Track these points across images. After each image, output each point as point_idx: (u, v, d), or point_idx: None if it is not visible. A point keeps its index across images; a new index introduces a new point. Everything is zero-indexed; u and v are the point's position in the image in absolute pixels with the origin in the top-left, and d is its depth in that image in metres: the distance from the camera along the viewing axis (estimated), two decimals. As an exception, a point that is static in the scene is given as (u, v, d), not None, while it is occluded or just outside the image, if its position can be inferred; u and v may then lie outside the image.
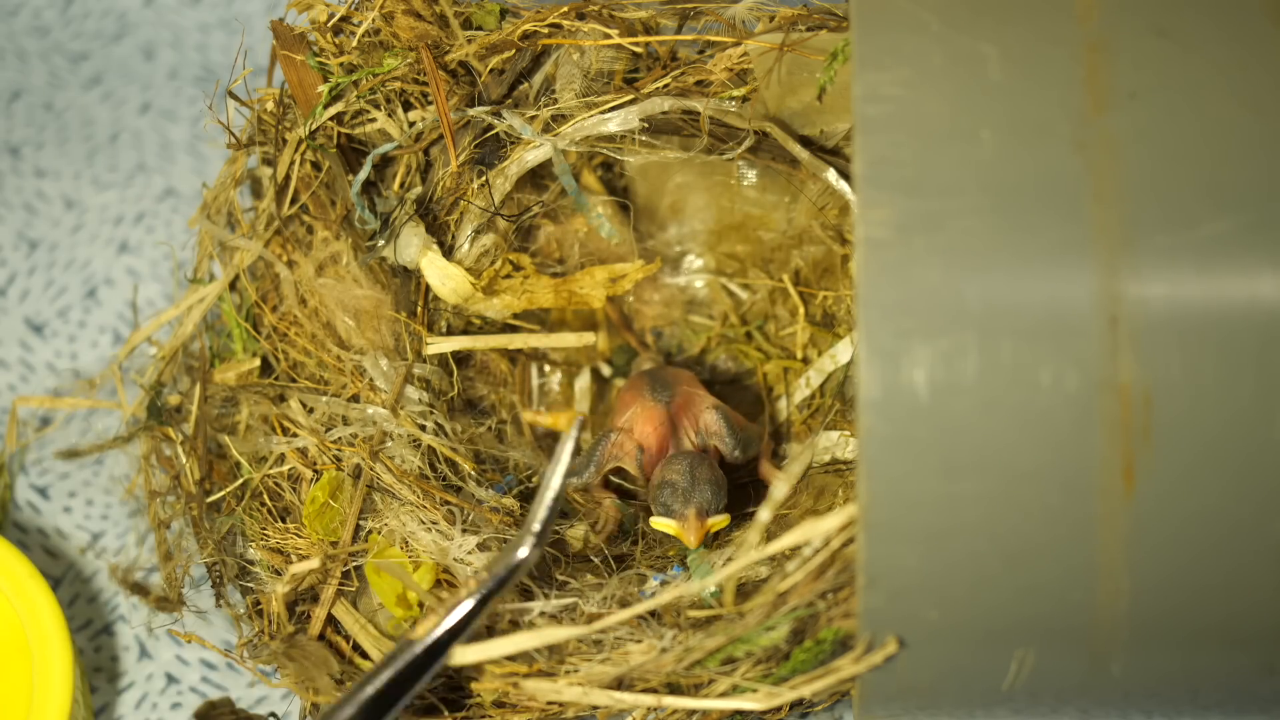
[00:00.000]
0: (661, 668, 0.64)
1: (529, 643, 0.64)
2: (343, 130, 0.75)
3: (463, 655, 0.65)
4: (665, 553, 0.75)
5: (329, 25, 0.74)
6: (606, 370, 0.84)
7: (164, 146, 0.91)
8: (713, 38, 0.73)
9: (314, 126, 0.74)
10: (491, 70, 0.74)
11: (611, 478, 0.78)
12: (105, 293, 0.88)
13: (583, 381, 0.83)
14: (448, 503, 0.71)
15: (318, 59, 0.74)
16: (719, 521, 0.71)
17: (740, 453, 0.75)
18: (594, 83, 0.74)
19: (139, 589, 0.74)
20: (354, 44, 0.74)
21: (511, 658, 0.66)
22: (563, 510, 0.77)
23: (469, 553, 0.69)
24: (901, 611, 0.58)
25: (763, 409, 0.81)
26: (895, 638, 0.58)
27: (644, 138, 0.74)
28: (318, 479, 0.72)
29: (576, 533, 0.76)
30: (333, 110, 0.74)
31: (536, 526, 0.66)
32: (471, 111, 0.73)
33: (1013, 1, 0.60)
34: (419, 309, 0.75)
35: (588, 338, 0.80)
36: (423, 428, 0.73)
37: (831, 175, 0.74)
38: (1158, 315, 0.55)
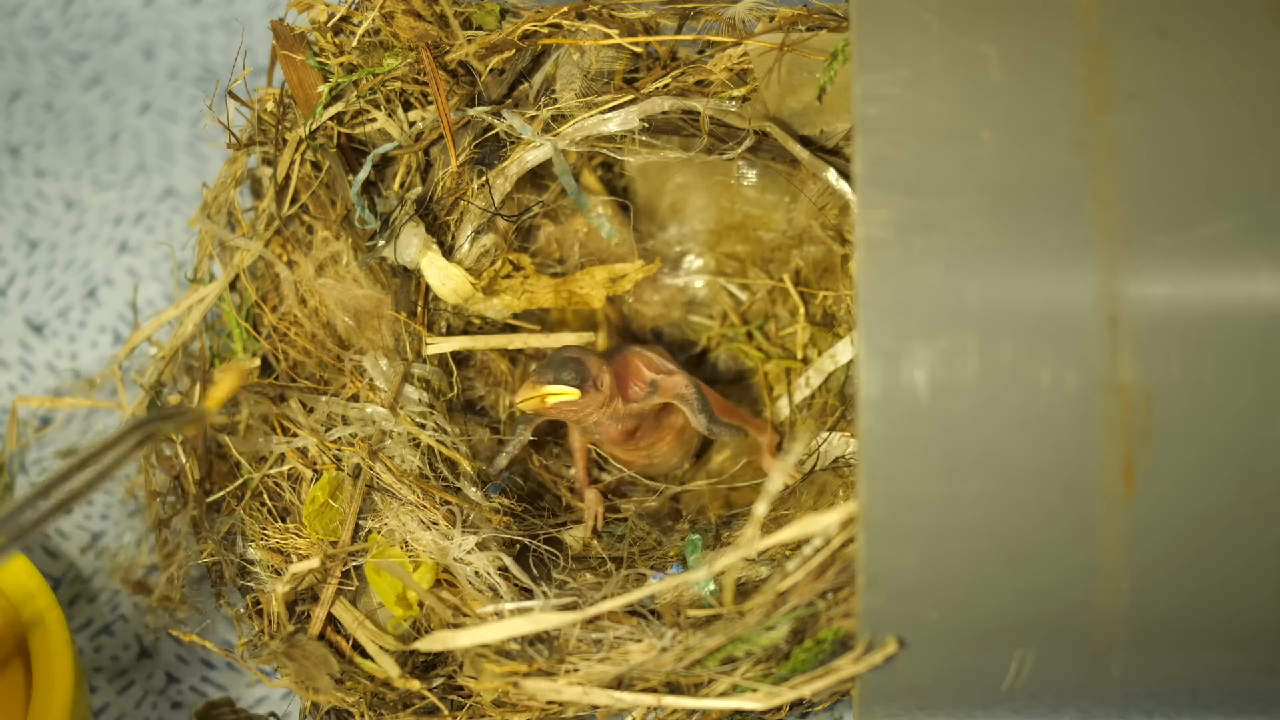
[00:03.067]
0: (661, 667, 0.64)
1: (523, 628, 0.64)
2: (343, 130, 0.75)
3: (459, 639, 0.65)
4: (666, 553, 0.75)
5: (329, 25, 0.74)
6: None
7: (164, 146, 0.91)
8: (713, 38, 0.73)
9: (314, 126, 0.74)
10: (491, 70, 0.74)
11: (597, 472, 0.78)
12: (105, 293, 0.88)
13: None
14: (447, 502, 0.71)
15: (318, 59, 0.74)
16: (555, 391, 0.72)
17: (706, 420, 0.75)
18: (594, 83, 0.74)
19: (139, 588, 0.74)
20: (354, 44, 0.74)
21: (510, 656, 0.66)
22: (552, 511, 0.77)
23: (469, 552, 0.69)
24: (901, 611, 0.58)
25: (763, 409, 0.81)
26: (895, 638, 0.58)
27: (644, 138, 0.74)
28: (317, 479, 0.72)
29: (576, 534, 0.76)
30: (333, 110, 0.74)
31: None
32: (471, 111, 0.73)
33: (1013, 1, 0.60)
34: (419, 309, 0.75)
35: (588, 338, 0.80)
36: (422, 427, 0.73)
37: (831, 175, 0.74)
38: (1158, 315, 0.55)
